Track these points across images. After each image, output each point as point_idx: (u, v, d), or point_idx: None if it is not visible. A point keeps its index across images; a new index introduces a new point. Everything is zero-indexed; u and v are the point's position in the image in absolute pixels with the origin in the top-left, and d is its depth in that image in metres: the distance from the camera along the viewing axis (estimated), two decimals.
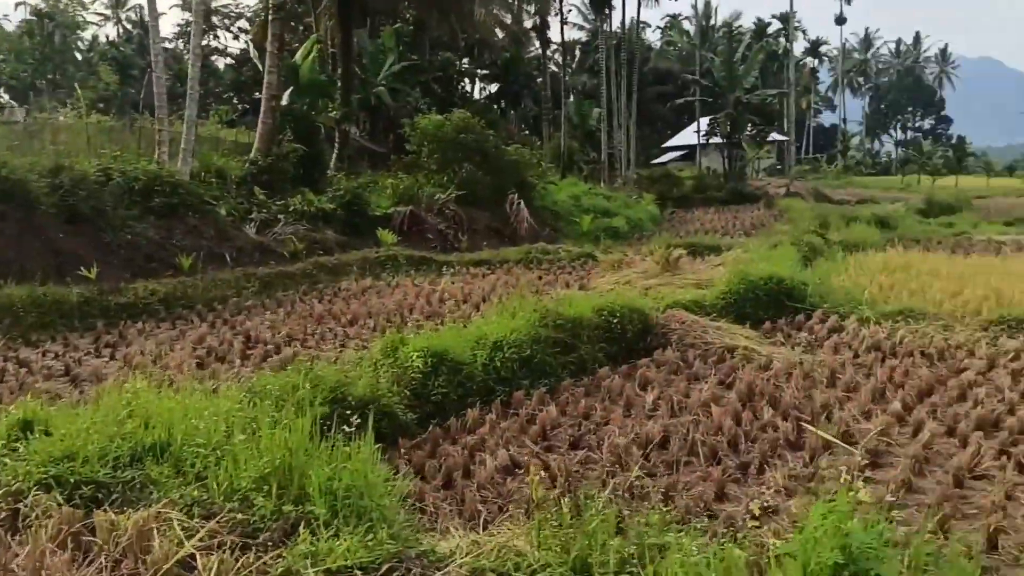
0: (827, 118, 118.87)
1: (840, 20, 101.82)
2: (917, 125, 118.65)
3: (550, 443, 8.48)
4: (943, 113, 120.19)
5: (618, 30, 54.93)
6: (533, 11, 52.29)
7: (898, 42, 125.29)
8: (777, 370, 10.66)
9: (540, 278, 18.61)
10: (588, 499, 4.65)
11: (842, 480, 3.94)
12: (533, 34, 58.08)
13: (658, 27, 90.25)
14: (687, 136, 66.04)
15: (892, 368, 10.74)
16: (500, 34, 56.94)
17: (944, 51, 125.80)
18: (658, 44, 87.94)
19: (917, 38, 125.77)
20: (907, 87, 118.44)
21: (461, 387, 9.51)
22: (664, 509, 5.67)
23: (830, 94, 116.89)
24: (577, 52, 75.13)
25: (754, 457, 7.74)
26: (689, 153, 65.51)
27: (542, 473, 7.49)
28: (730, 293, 13.83)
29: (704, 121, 53.32)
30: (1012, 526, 6.20)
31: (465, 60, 59.21)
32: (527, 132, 61.17)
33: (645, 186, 44.67)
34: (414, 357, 9.36)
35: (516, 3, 54.28)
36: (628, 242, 27.13)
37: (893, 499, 6.32)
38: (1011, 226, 32.13)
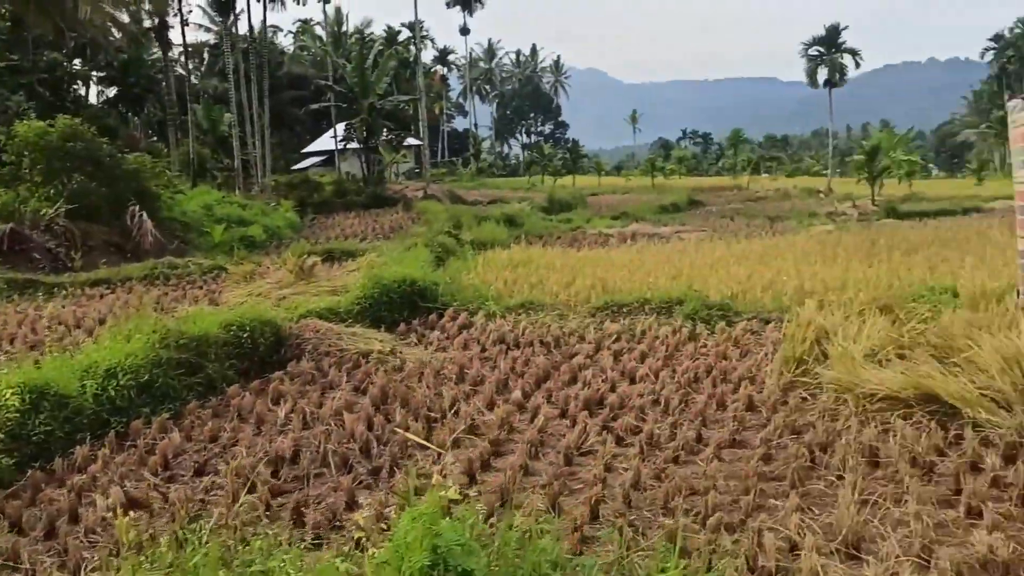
0: (460, 123, 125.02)
1: (464, 31, 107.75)
2: (540, 130, 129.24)
3: (172, 472, 7.92)
4: (560, 119, 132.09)
5: (247, 33, 53.24)
6: (150, 10, 48.93)
7: (518, 53, 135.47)
8: (410, 371, 10.89)
9: (166, 295, 17.40)
10: (191, 533, 4.34)
11: (434, 480, 4.05)
12: (153, 35, 54.40)
13: (290, 31, 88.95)
14: (326, 141, 65.67)
15: (515, 359, 11.44)
16: (117, 34, 52.54)
17: (557, 62, 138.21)
18: (291, 48, 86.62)
19: (534, 50, 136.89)
20: (528, 95, 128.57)
21: (68, 423, 8.58)
22: (277, 530, 5.48)
23: (461, 100, 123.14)
24: (206, 55, 71.77)
25: (386, 461, 7.82)
26: (330, 158, 65.23)
27: (161, 506, 7.01)
28: (364, 298, 13.91)
29: (341, 127, 53.34)
30: (611, 495, 6.84)
31: (77, 61, 53.93)
32: (154, 139, 57.21)
33: (284, 192, 43.62)
34: (8, 395, 8.30)
35: (133, 1, 50.38)
36: (265, 251, 26.33)
37: (477, 494, 6.65)
38: (617, 219, 35.99)
